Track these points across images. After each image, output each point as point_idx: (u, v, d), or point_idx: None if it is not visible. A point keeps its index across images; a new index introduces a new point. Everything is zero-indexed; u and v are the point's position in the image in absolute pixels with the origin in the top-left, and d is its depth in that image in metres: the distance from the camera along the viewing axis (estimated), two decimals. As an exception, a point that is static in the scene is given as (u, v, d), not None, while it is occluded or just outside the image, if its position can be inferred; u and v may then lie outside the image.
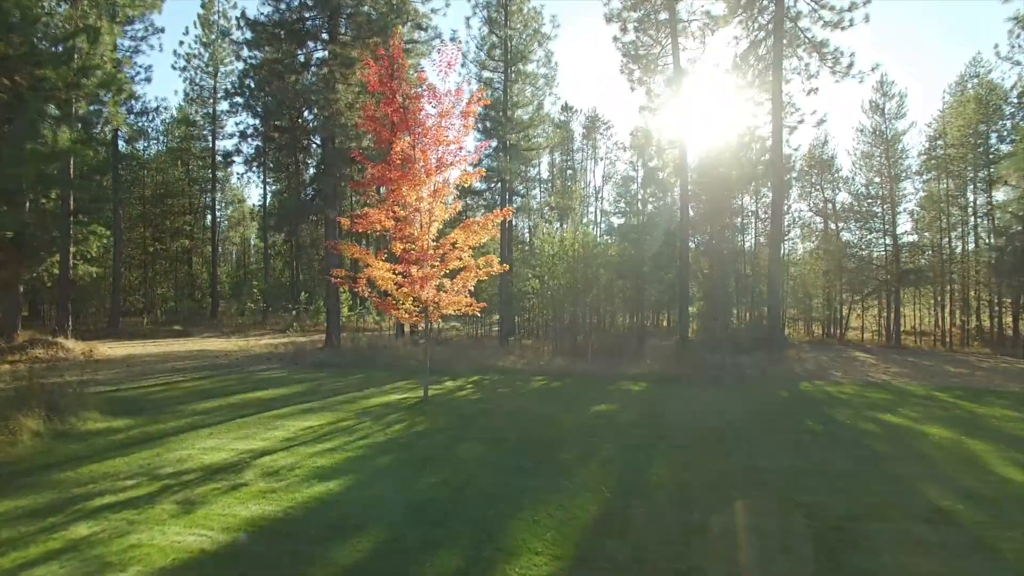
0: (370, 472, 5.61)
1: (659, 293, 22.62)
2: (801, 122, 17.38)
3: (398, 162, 9.37)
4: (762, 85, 17.24)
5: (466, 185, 9.98)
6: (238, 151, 16.83)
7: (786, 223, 31.11)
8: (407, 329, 20.91)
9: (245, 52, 17.37)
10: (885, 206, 25.87)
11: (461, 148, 9.33)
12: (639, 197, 20.15)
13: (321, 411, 8.57)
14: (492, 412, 8.82)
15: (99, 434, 6.86)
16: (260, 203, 34.90)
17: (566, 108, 37.64)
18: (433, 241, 9.56)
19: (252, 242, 49.66)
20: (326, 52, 16.21)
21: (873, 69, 15.53)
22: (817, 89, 16.43)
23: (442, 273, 9.55)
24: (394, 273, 9.55)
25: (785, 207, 32.09)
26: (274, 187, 36.38)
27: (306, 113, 17.01)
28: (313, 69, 16.36)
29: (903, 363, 17.67)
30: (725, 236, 27.31)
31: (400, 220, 9.51)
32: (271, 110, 15.18)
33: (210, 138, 33.36)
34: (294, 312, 26.98)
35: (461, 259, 9.56)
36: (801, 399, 10.94)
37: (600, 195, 36.39)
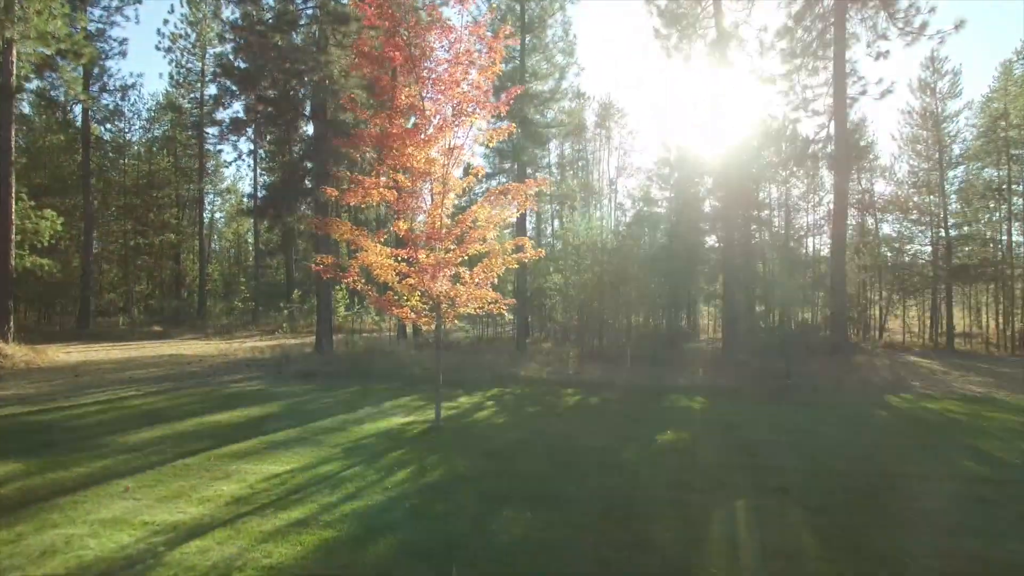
0: (358, 579, 3.35)
1: (691, 291, 20.34)
2: (863, 93, 15.11)
3: (401, 116, 7.15)
4: (820, 48, 14.98)
5: (490, 145, 7.72)
6: (212, 120, 14.52)
7: (819, 215, 28.96)
8: (410, 330, 18.66)
9: (226, 13, 15.11)
10: (932, 196, 23.60)
11: (487, 93, 7.06)
12: (671, 182, 17.86)
13: (297, 446, 6.30)
14: (528, 445, 6.56)
15: (-47, 493, 4.60)
16: (251, 193, 32.45)
17: (578, 95, 35.36)
18: (448, 218, 7.31)
19: (249, 239, 47.38)
20: (317, 9, 13.94)
21: (957, 27, 13.27)
22: (888, 52, 14.16)
23: (459, 260, 7.30)
24: (397, 260, 7.32)
25: (818, 198, 29.99)
26: (267, 179, 34.08)
27: (295, 83, 14.73)
28: (303, 29, 14.09)
29: (976, 369, 15.41)
30: (751, 229, 25.08)
31: (404, 191, 7.27)
32: (251, 73, 12.93)
33: (198, 125, 31.04)
34: (286, 312, 24.71)
35: (485, 241, 7.31)
36: (910, 420, 8.69)
37: (615, 187, 34.09)
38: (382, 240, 7.41)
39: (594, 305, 14.84)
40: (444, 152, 7.14)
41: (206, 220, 36.41)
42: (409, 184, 7.22)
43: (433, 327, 7.82)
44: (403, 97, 7.16)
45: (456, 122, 6.98)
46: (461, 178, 7.71)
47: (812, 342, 12.44)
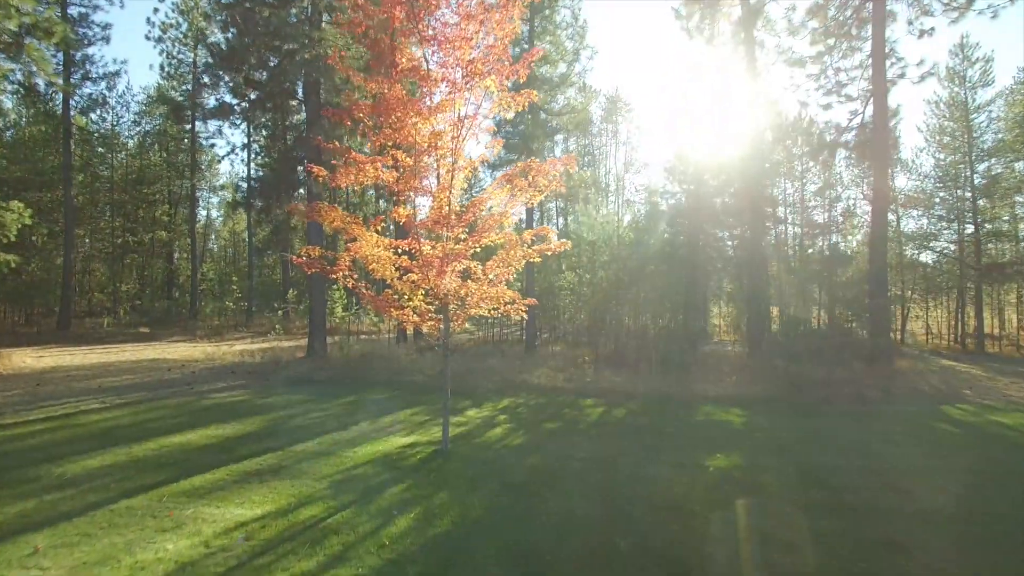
0: None
1: (706, 290, 19.20)
2: (902, 76, 13.93)
3: (401, 81, 5.99)
4: (855, 27, 13.84)
5: (507, 118, 6.56)
6: (196, 104, 13.35)
7: (836, 211, 27.81)
8: (410, 332, 17.50)
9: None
10: (959, 191, 22.45)
11: (505, 52, 5.90)
12: (689, 174, 16.74)
13: (274, 478, 5.13)
14: (556, 475, 5.40)
15: None
16: (244, 186, 31.22)
17: (583, 88, 34.28)
18: (458, 203, 6.15)
19: (246, 238, 46.24)
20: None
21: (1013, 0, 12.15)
22: (932, 30, 13.01)
23: (470, 252, 6.14)
24: (396, 252, 6.17)
25: (835, 194, 28.84)
26: (262, 174, 32.90)
27: (285, 63, 13.55)
28: (295, 4, 12.91)
29: (1022, 374, 14.27)
30: (765, 227, 23.94)
31: (405, 170, 6.11)
32: (236, 51, 11.76)
33: (189, 117, 29.82)
34: (280, 312, 23.58)
35: (502, 229, 6.15)
36: (989, 438, 7.53)
37: (622, 183, 32.93)
38: (378, 228, 6.24)
39: (611, 304, 13.68)
40: (453, 124, 5.98)
41: (201, 219, 35.35)
42: (411, 162, 6.06)
43: (439, 331, 6.67)
44: (404, 60, 6.01)
45: (468, 85, 5.82)
46: (471, 158, 6.57)
47: (854, 344, 11.28)
